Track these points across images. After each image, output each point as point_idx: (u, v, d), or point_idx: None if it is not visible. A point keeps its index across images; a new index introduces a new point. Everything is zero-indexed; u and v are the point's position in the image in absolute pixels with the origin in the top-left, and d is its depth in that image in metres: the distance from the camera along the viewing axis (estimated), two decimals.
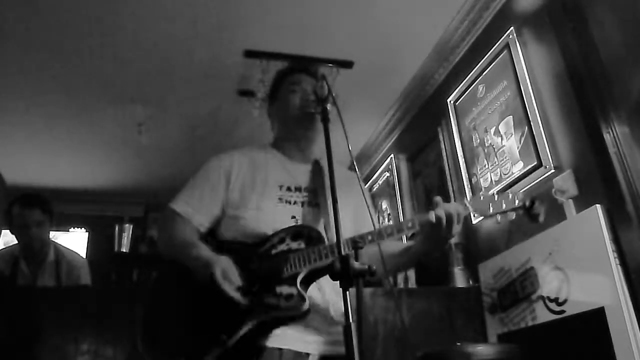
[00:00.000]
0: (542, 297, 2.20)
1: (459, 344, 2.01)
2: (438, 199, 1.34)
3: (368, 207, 1.39)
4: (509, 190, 1.41)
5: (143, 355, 1.25)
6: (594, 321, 1.90)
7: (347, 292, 0.96)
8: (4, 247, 3.20)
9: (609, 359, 1.81)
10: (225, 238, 1.42)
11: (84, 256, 5.01)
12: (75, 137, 4.25)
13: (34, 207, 2.69)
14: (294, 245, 1.31)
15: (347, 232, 1.27)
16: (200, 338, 1.23)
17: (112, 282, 4.92)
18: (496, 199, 1.38)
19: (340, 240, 1.06)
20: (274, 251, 1.32)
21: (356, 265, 0.97)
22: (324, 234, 1.35)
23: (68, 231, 5.18)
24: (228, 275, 1.22)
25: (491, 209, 1.36)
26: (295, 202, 1.44)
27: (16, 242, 2.79)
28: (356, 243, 1.16)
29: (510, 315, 2.40)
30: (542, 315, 2.19)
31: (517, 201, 1.36)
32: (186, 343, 1.25)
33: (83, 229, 5.29)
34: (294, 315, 1.22)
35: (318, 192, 1.47)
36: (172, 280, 1.40)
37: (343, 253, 1.02)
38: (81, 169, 4.85)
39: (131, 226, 5.30)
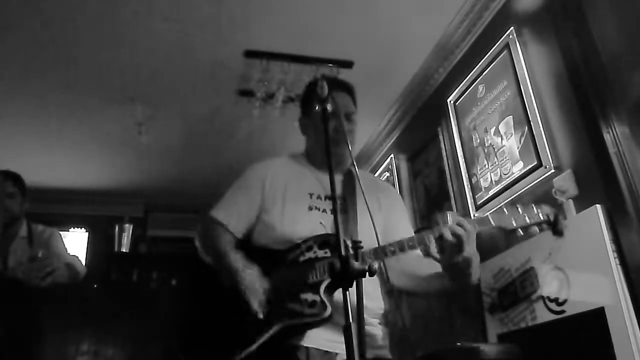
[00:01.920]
0: (542, 297, 2.20)
1: (459, 344, 2.02)
2: (449, 216, 1.34)
3: (408, 221, 1.44)
4: (532, 204, 1.34)
5: (178, 355, 1.32)
6: (594, 321, 1.90)
7: (347, 292, 0.96)
8: None
9: (609, 359, 1.81)
10: (258, 244, 1.48)
11: (84, 256, 5.04)
12: (75, 137, 4.25)
13: (7, 179, 2.69)
14: (321, 253, 1.35)
15: (374, 240, 1.30)
16: (228, 342, 1.29)
17: (112, 282, 4.93)
18: (520, 212, 1.32)
19: (341, 240, 1.06)
20: (301, 258, 1.37)
21: (356, 265, 0.98)
22: (355, 237, 1.38)
23: (68, 231, 5.17)
24: (253, 288, 1.29)
25: (514, 222, 1.30)
26: (324, 210, 1.47)
27: None
28: (356, 243, 1.16)
29: (510, 315, 2.40)
30: (542, 315, 2.19)
31: (541, 215, 1.31)
32: (215, 345, 1.32)
33: (83, 229, 5.29)
34: (315, 321, 1.26)
35: (347, 199, 1.50)
36: (206, 282, 1.49)
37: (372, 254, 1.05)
38: (81, 169, 4.84)
39: (131, 226, 5.31)
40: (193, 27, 3.03)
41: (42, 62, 3.28)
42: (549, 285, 2.17)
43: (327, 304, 1.25)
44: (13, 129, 4.07)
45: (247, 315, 1.28)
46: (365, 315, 1.35)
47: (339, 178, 1.57)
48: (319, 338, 1.29)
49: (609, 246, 1.89)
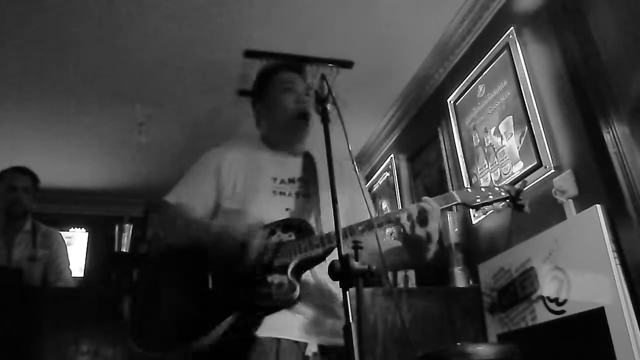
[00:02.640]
0: (542, 297, 2.20)
1: (459, 344, 2.02)
2: (426, 199, 1.35)
3: (365, 198, 1.37)
4: (495, 184, 1.45)
5: (133, 347, 1.26)
6: (594, 321, 1.90)
7: (347, 292, 0.96)
8: None
9: (609, 359, 1.81)
10: None
11: (84, 256, 5.05)
12: (75, 137, 4.25)
13: (24, 174, 2.84)
14: (285, 237, 1.32)
15: (343, 221, 1.26)
16: (188, 327, 1.24)
17: (112, 282, 4.93)
18: (483, 191, 1.41)
19: (341, 240, 1.05)
20: None
21: (356, 265, 0.97)
22: (314, 223, 1.37)
23: (68, 231, 5.17)
24: (253, 231, 1.25)
25: (478, 199, 1.38)
26: (289, 194, 1.45)
27: None
28: (356, 243, 1.16)
29: (510, 315, 2.40)
30: (542, 315, 2.19)
31: (503, 192, 1.40)
32: (173, 333, 1.25)
33: (83, 229, 5.29)
34: (284, 301, 1.23)
35: (310, 182, 1.48)
36: (161, 269, 1.42)
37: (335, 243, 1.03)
38: (81, 169, 4.84)
39: (131, 226, 5.30)
40: (193, 27, 3.03)
41: (42, 62, 3.28)
42: (549, 285, 2.17)
43: (296, 284, 1.23)
44: (13, 128, 4.07)
45: (215, 293, 1.24)
46: (332, 305, 1.35)
47: (298, 160, 1.55)
48: (289, 328, 1.27)
49: (609, 246, 1.89)
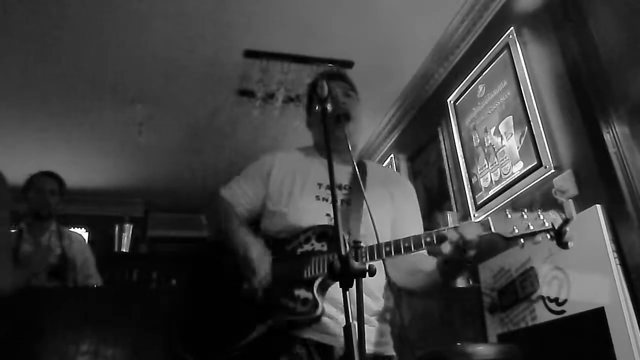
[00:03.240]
0: (542, 297, 2.20)
1: (459, 344, 2.01)
2: (449, 215, 1.33)
3: (418, 216, 1.42)
4: (539, 210, 1.21)
5: (182, 354, 1.31)
6: (594, 321, 1.90)
7: (347, 292, 0.96)
8: None
9: (609, 359, 1.81)
10: (265, 232, 1.48)
11: None
12: (75, 137, 4.25)
13: (53, 178, 3.06)
14: (318, 246, 1.34)
15: (383, 235, 1.28)
16: (220, 337, 1.29)
17: (112, 282, 4.93)
18: (524, 218, 1.19)
19: (341, 240, 1.05)
20: (299, 250, 1.36)
21: (356, 265, 0.97)
22: (353, 230, 1.38)
23: None
24: (261, 260, 1.30)
25: (515, 230, 1.18)
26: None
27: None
28: (356, 243, 1.16)
29: (510, 315, 2.40)
30: (542, 315, 2.19)
31: (546, 222, 1.17)
32: (214, 340, 1.31)
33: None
34: (305, 319, 1.25)
35: (355, 190, 1.49)
36: (199, 279, 1.50)
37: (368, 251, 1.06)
38: (81, 169, 4.84)
39: (131, 226, 5.31)
40: (193, 27, 3.03)
41: (41, 62, 3.28)
42: (549, 285, 2.17)
43: (319, 302, 1.24)
44: (13, 128, 4.07)
45: (247, 297, 1.28)
46: (368, 316, 1.35)
47: (348, 169, 1.56)
48: (317, 331, 1.28)
49: (609, 246, 1.89)
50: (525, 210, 1.21)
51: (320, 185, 1.49)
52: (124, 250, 5.23)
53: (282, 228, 1.43)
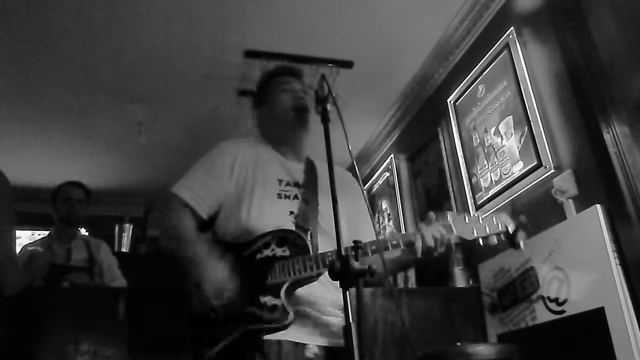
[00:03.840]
0: (542, 297, 2.20)
1: (459, 344, 2.01)
2: (428, 219, 1.34)
3: (370, 213, 1.40)
4: (493, 214, 1.40)
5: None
6: (594, 321, 1.90)
7: (347, 292, 0.96)
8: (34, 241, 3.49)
9: (609, 359, 1.81)
10: (221, 232, 1.41)
11: None
12: (75, 137, 4.25)
13: (80, 188, 3.23)
14: (279, 251, 1.29)
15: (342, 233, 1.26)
16: (198, 342, 1.25)
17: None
18: (480, 222, 1.36)
19: (341, 240, 1.06)
20: (258, 256, 1.30)
21: (356, 265, 0.97)
22: (313, 229, 1.36)
23: None
24: (217, 281, 1.23)
25: (475, 232, 1.34)
26: (293, 197, 1.44)
27: (39, 238, 3.35)
28: (356, 243, 1.16)
29: (510, 315, 2.40)
30: (542, 315, 2.19)
31: (500, 226, 1.36)
32: (185, 347, 1.28)
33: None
34: (275, 327, 1.22)
35: (310, 188, 1.47)
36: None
37: (335, 255, 1.03)
38: (81, 169, 4.83)
39: (131, 226, 5.30)
40: (193, 27, 3.03)
41: (41, 62, 3.28)
42: (549, 285, 2.17)
43: (289, 310, 1.22)
44: (13, 129, 4.07)
45: (211, 315, 1.24)
46: (329, 307, 1.34)
47: (300, 166, 1.55)
48: (289, 330, 1.25)
49: (609, 246, 1.89)
50: (481, 215, 1.38)
51: (280, 181, 1.45)
52: (124, 250, 5.23)
53: (240, 231, 1.36)
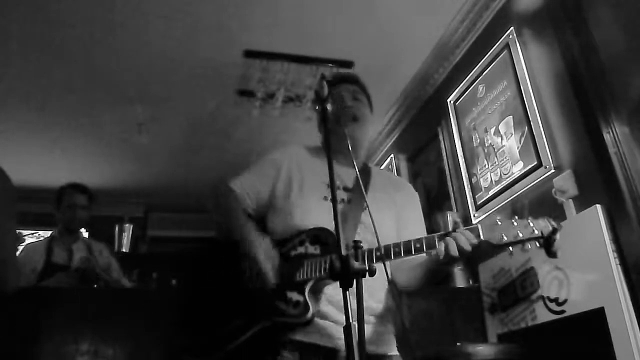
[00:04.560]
0: (542, 297, 2.20)
1: (459, 344, 2.02)
2: (449, 216, 1.34)
3: (422, 221, 1.45)
4: (529, 218, 1.23)
5: (178, 354, 1.33)
6: (594, 321, 1.90)
7: (347, 292, 0.96)
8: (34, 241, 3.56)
9: (609, 359, 1.81)
10: (270, 232, 1.48)
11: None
12: (76, 137, 4.25)
13: (83, 193, 3.25)
14: (311, 249, 1.34)
15: (388, 236, 1.30)
16: (221, 334, 1.30)
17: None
18: (514, 225, 1.20)
19: (341, 240, 1.06)
20: (293, 253, 1.36)
21: (356, 265, 0.98)
22: (351, 230, 1.39)
23: None
24: (269, 256, 1.31)
25: (504, 238, 1.19)
26: (342, 200, 1.47)
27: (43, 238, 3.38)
28: (357, 243, 1.16)
29: (510, 315, 2.40)
30: (542, 315, 2.19)
31: (536, 230, 1.19)
32: (209, 340, 1.32)
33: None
34: (296, 322, 1.25)
35: (358, 193, 1.49)
36: (198, 280, 1.51)
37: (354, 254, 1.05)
38: (81, 169, 4.84)
39: (131, 226, 5.30)
40: (193, 27, 3.03)
41: (41, 62, 3.28)
42: (549, 285, 2.17)
43: (310, 306, 1.25)
44: (13, 129, 4.07)
45: (259, 288, 1.29)
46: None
47: (351, 172, 1.56)
48: (315, 334, 1.28)
49: (609, 246, 1.89)
50: (516, 218, 1.22)
51: (328, 185, 1.47)
52: (124, 250, 5.23)
53: (285, 228, 1.43)
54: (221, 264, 1.45)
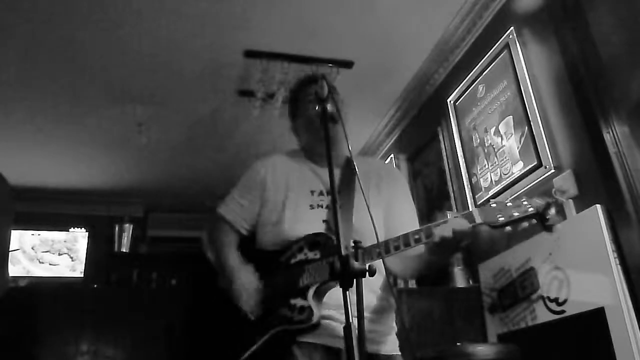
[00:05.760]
0: (542, 297, 2.20)
1: (459, 344, 2.02)
2: (449, 215, 1.34)
3: (410, 205, 1.47)
4: (524, 197, 1.24)
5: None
6: (594, 321, 1.90)
7: (347, 292, 0.97)
8: None
9: (609, 359, 1.81)
10: (260, 243, 1.52)
11: (84, 256, 5.05)
12: (75, 137, 4.24)
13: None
14: (311, 255, 1.35)
15: (371, 235, 1.27)
16: (225, 346, 1.35)
17: (112, 282, 4.93)
18: (508, 206, 1.22)
19: (340, 240, 1.06)
20: (292, 260, 1.37)
21: (356, 265, 0.98)
22: (346, 232, 1.37)
23: (68, 231, 5.17)
24: (247, 287, 1.36)
25: (501, 218, 1.20)
26: (326, 206, 1.46)
27: None
28: (357, 243, 1.16)
29: (510, 315, 2.40)
30: (542, 315, 2.19)
31: (530, 208, 1.20)
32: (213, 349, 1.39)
33: (83, 229, 5.28)
34: (303, 328, 1.27)
35: (344, 192, 1.48)
36: (207, 283, 1.61)
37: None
38: (81, 169, 4.84)
39: (131, 226, 5.31)
40: (193, 27, 3.03)
41: (41, 62, 3.28)
42: (549, 285, 2.17)
43: (315, 310, 1.25)
44: (13, 128, 4.07)
45: (242, 318, 1.32)
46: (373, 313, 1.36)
47: (337, 171, 1.54)
48: (324, 335, 1.29)
49: (609, 246, 1.89)
50: (509, 198, 1.25)
51: (312, 192, 1.50)
52: (124, 250, 5.23)
53: (276, 240, 1.45)
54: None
